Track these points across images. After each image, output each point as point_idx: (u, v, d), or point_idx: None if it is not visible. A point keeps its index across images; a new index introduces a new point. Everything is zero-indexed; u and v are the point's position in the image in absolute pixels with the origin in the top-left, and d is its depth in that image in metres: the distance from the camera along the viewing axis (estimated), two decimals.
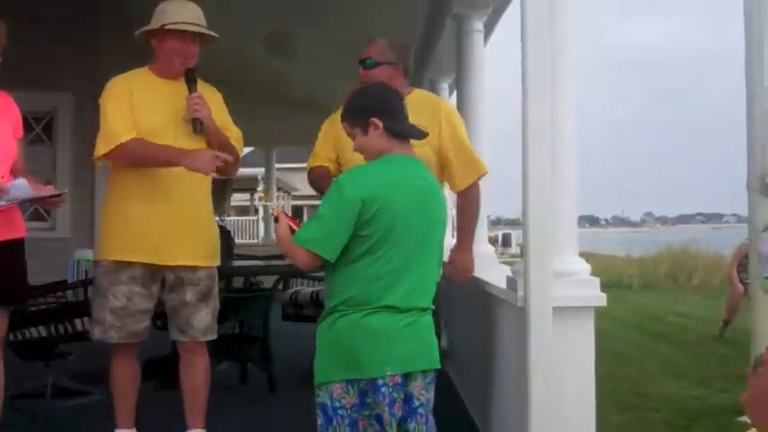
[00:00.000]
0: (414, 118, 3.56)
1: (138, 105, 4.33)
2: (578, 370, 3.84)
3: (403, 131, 3.43)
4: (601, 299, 3.90)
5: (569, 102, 4.00)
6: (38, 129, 9.92)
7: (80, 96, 9.77)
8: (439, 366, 3.37)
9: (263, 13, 8.80)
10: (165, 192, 4.33)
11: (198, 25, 4.37)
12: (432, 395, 3.35)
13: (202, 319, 4.47)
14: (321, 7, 9.10)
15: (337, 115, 4.43)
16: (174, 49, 4.36)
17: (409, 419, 3.27)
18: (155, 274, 4.38)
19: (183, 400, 4.55)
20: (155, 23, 4.38)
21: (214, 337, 4.59)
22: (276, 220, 3.42)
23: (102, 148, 4.29)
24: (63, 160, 9.67)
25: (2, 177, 4.12)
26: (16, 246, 4.31)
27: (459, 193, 4.56)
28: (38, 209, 9.65)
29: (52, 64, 9.41)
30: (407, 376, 3.24)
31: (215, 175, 4.51)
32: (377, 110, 3.40)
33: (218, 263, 4.59)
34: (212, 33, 4.41)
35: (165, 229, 4.32)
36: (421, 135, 3.50)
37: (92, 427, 4.85)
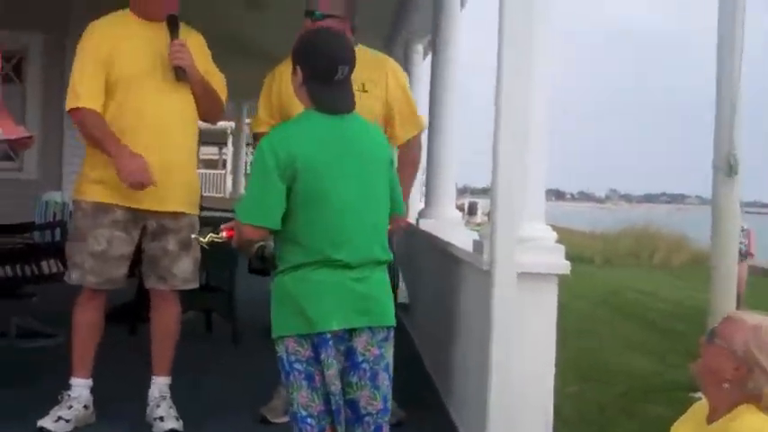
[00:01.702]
0: (360, 71, 3.44)
1: (119, 52, 4.25)
2: (539, 335, 3.91)
3: (320, 99, 3.25)
4: (565, 267, 3.95)
5: (544, 73, 4.03)
6: (7, 68, 9.80)
7: (52, 37, 9.67)
8: (392, 323, 3.32)
9: None
10: (152, 138, 4.25)
11: None
12: (385, 352, 3.29)
13: (184, 268, 4.44)
14: None
15: (278, 69, 4.43)
16: None
17: (351, 372, 3.22)
18: (137, 220, 4.33)
19: (151, 347, 4.50)
20: None
21: (196, 286, 4.57)
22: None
23: (67, 102, 4.27)
24: (33, 101, 9.59)
25: None
26: None
27: (401, 147, 4.57)
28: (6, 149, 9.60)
29: (23, 3, 9.27)
30: (352, 332, 3.20)
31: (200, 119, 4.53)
32: (304, 60, 3.27)
33: (198, 211, 4.56)
34: None
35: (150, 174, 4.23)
36: (341, 110, 3.29)
37: (55, 368, 4.85)
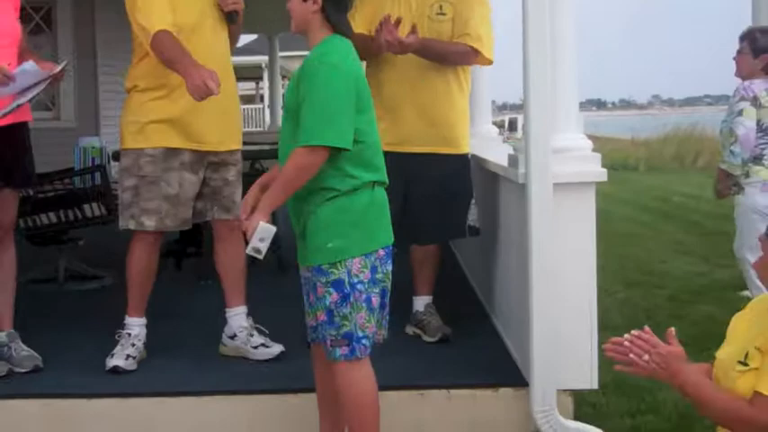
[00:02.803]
0: None
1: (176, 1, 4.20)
2: (580, 243, 3.90)
3: (341, 24, 3.38)
4: (601, 174, 3.93)
5: None
6: (37, 18, 9.83)
7: None
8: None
9: None
10: None
11: None
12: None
13: (240, 198, 4.48)
14: None
15: None
16: None
17: None
18: (201, 159, 4.36)
19: (223, 280, 4.56)
20: None
21: None
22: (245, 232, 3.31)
23: (144, 38, 4.12)
24: (65, 50, 9.62)
25: (9, 64, 4.06)
26: (22, 130, 4.30)
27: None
28: (42, 98, 9.67)
29: None
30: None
31: None
32: None
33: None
34: None
35: (211, 116, 4.25)
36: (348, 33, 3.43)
37: (104, 309, 4.95)
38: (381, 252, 3.34)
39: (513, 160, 4.18)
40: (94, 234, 6.39)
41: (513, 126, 36.55)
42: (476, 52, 4.61)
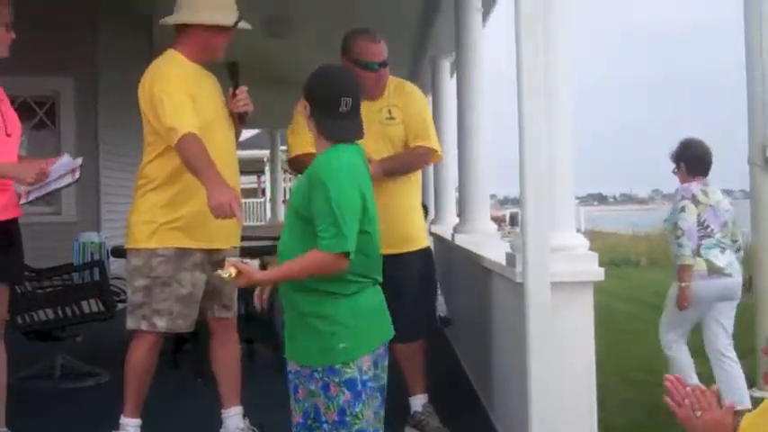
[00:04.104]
0: (386, 99, 4.15)
1: (197, 94, 4.24)
2: (578, 344, 3.88)
3: (328, 129, 3.37)
4: (599, 273, 3.92)
5: (565, 74, 4.02)
6: (41, 113, 9.95)
7: (81, 80, 9.82)
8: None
9: None
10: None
11: (236, 20, 4.34)
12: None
13: (236, 295, 4.57)
14: None
15: None
16: (209, 41, 4.31)
17: None
18: (209, 257, 4.36)
19: (219, 380, 4.53)
20: (189, 13, 4.29)
21: None
22: (238, 274, 3.33)
23: (170, 139, 4.09)
24: (67, 144, 9.68)
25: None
26: (15, 224, 4.31)
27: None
28: None
29: (52, 48, 9.42)
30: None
31: None
32: (311, 94, 3.39)
33: None
34: (247, 26, 4.38)
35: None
36: (352, 139, 3.43)
37: (99, 408, 4.90)
38: (381, 348, 3.35)
39: (510, 258, 4.17)
40: (92, 330, 6.35)
41: (514, 221, 36.63)
42: (433, 151, 4.76)
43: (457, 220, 7.87)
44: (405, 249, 4.65)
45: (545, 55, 3.82)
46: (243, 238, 4.71)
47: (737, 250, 5.97)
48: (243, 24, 4.35)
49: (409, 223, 4.75)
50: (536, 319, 3.73)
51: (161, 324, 4.27)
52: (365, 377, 3.27)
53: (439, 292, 4.81)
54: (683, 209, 5.88)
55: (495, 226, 7.26)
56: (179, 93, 4.14)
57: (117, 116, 9.79)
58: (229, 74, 4.41)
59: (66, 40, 9.58)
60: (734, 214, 6.04)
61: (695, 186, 5.92)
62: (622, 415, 6.02)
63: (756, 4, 6.23)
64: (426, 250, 4.86)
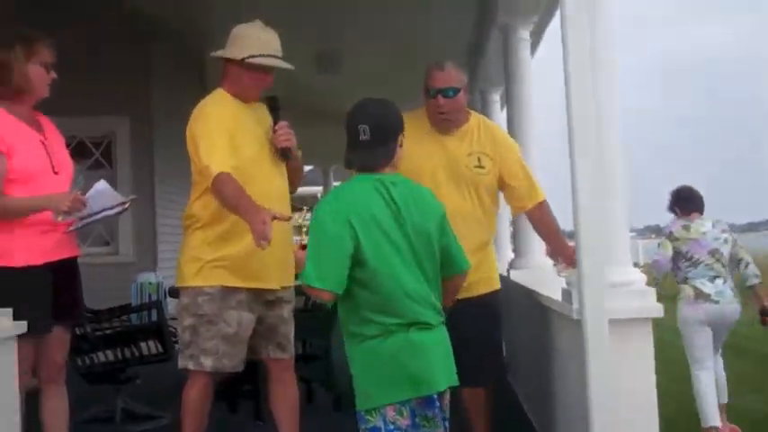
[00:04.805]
0: (476, 144, 4.31)
1: (238, 131, 4.27)
2: (639, 381, 3.81)
3: (350, 160, 3.42)
4: (658, 310, 3.86)
5: (614, 106, 3.99)
6: (97, 153, 10.09)
7: (136, 120, 9.95)
8: (458, 383, 3.39)
9: (311, 32, 8.89)
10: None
11: (279, 58, 4.36)
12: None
13: (293, 336, 4.54)
14: (367, 21, 9.16)
15: None
16: (251, 80, 4.35)
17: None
18: (258, 297, 4.35)
19: (279, 422, 4.51)
20: (235, 51, 4.34)
21: None
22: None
23: (206, 179, 4.12)
24: (123, 184, 9.80)
25: None
26: (75, 264, 4.38)
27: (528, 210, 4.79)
28: (101, 233, 9.84)
29: (108, 89, 9.57)
30: (442, 390, 3.29)
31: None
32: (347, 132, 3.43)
33: None
34: (290, 67, 4.38)
35: (269, 256, 4.18)
36: (371, 168, 3.41)
37: None
38: (420, 400, 3.22)
39: (566, 295, 4.12)
40: (151, 372, 6.38)
41: None
42: (544, 203, 4.75)
43: (512, 255, 7.82)
44: (477, 293, 4.54)
45: (593, 83, 3.78)
46: (298, 276, 4.70)
47: (726, 280, 6.50)
48: (283, 64, 4.37)
49: (484, 265, 4.65)
50: (595, 356, 3.66)
51: (207, 363, 4.26)
52: (391, 426, 3.19)
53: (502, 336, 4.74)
54: (658, 245, 6.81)
55: (551, 261, 7.20)
56: (216, 132, 4.18)
57: (172, 155, 9.88)
58: (269, 109, 4.45)
59: (121, 80, 9.70)
60: (731, 241, 6.64)
61: (676, 224, 6.67)
62: None
63: None
64: (495, 292, 4.75)
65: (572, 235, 3.93)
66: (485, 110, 9.93)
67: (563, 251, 4.62)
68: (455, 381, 3.34)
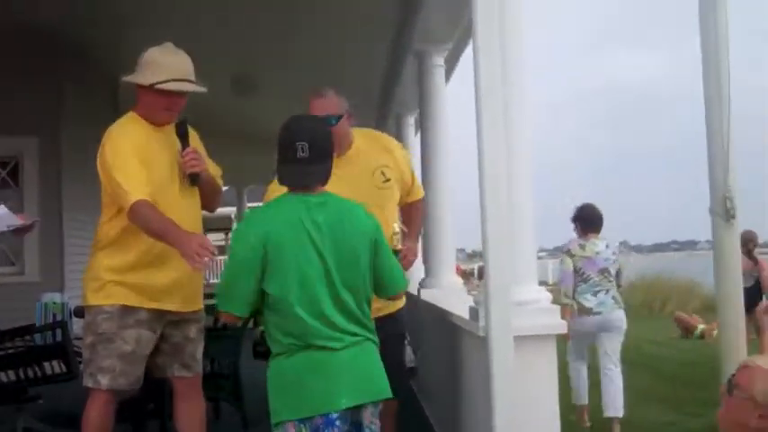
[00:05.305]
0: (376, 156, 4.19)
1: (146, 157, 4.23)
2: (542, 397, 3.90)
3: (282, 176, 3.44)
4: (561, 326, 3.95)
5: (524, 132, 4.08)
6: (3, 173, 9.89)
7: (45, 141, 9.76)
8: (389, 396, 3.42)
9: (226, 55, 8.89)
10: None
11: (189, 82, 4.31)
12: (379, 424, 3.41)
13: (201, 355, 4.50)
14: (282, 46, 9.18)
15: None
16: (161, 105, 4.30)
17: None
18: (160, 317, 4.32)
19: None
20: (144, 77, 4.29)
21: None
22: None
23: (124, 206, 4.11)
24: (30, 204, 9.61)
25: None
26: None
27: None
28: (6, 253, 9.63)
29: (16, 108, 9.38)
30: (358, 407, 3.30)
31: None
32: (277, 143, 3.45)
33: None
34: (203, 90, 4.34)
35: (173, 282, 4.25)
36: (303, 186, 3.42)
37: None
38: (319, 420, 3.23)
39: (473, 313, 4.18)
40: (56, 391, 6.25)
41: (482, 274, 36.74)
42: (422, 200, 4.86)
43: (422, 274, 7.88)
44: (383, 313, 4.39)
45: (504, 110, 3.85)
46: (208, 296, 4.68)
47: (608, 291, 7.21)
48: (193, 87, 4.34)
49: None
50: (499, 372, 3.72)
51: (104, 381, 4.22)
52: None
53: (407, 342, 4.76)
54: (560, 261, 7.50)
55: (460, 280, 7.33)
56: (129, 159, 4.16)
57: (81, 175, 9.73)
58: (177, 134, 4.38)
59: (30, 99, 9.53)
60: (619, 261, 7.47)
61: (573, 243, 7.30)
62: None
63: (714, 53, 6.33)
64: (399, 311, 4.69)
65: (481, 254, 3.98)
66: (399, 133, 10.03)
67: (409, 247, 4.52)
68: (371, 396, 3.36)
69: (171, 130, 4.39)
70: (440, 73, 7.18)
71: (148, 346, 4.30)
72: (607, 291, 7.20)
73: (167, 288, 4.27)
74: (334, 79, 5.02)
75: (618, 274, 7.41)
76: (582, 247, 7.25)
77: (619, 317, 7.30)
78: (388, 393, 3.42)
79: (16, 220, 4.22)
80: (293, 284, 3.25)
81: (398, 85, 9.21)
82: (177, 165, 4.34)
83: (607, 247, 7.34)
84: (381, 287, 3.54)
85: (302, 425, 3.22)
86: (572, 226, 7.43)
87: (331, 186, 3.68)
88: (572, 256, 7.21)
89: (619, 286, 7.40)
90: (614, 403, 7.12)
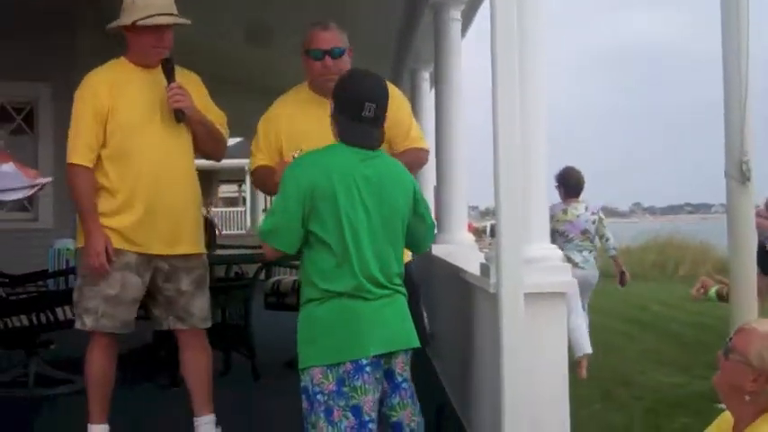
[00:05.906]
0: None
1: (118, 99, 4.28)
2: (551, 354, 3.89)
3: (344, 133, 3.43)
4: (572, 284, 3.94)
5: (540, 89, 4.03)
6: (19, 119, 9.89)
7: (59, 87, 9.71)
8: (418, 345, 3.49)
9: (240, 5, 8.82)
10: (155, 184, 4.28)
11: (169, 15, 4.33)
12: (409, 373, 3.48)
13: (201, 307, 4.48)
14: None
15: (270, 113, 4.38)
16: (148, 43, 4.33)
17: (393, 395, 3.41)
18: (148, 262, 4.34)
19: (189, 387, 4.51)
20: (125, 18, 4.32)
21: (209, 325, 4.57)
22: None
23: (67, 155, 4.30)
24: (45, 151, 9.65)
25: None
26: None
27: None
28: (20, 199, 9.65)
29: (30, 55, 9.37)
30: (390, 355, 3.37)
31: (203, 158, 4.62)
32: (336, 95, 3.46)
33: (204, 249, 4.61)
34: (185, 21, 4.36)
35: (158, 228, 4.29)
36: (365, 146, 3.43)
37: (73, 415, 4.87)
38: (349, 366, 3.26)
39: (484, 270, 4.18)
40: (65, 336, 6.31)
41: (494, 232, 36.82)
42: (425, 151, 4.47)
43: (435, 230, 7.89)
44: None
45: (520, 65, 3.82)
46: (222, 246, 4.70)
47: (591, 251, 8.03)
48: (172, 19, 4.35)
49: None
50: (509, 329, 3.71)
51: (88, 322, 4.29)
52: (316, 389, 3.27)
53: (423, 307, 4.74)
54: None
55: (472, 237, 7.34)
56: (84, 118, 4.30)
57: None
58: (163, 70, 4.37)
59: (44, 46, 9.52)
60: (597, 221, 8.06)
61: (557, 207, 7.86)
62: (597, 428, 6.03)
63: (734, 16, 6.27)
64: (408, 264, 4.71)
65: (494, 212, 3.97)
66: (413, 89, 9.96)
67: None
68: (401, 344, 3.42)
69: (160, 70, 4.39)
70: (456, 27, 7.11)
71: (135, 291, 4.33)
72: (590, 251, 8.06)
73: (158, 231, 4.30)
74: (351, 33, 4.98)
75: (602, 237, 8.26)
76: (564, 212, 7.97)
77: (595, 275, 8.21)
78: (417, 343, 3.49)
79: (24, 180, 4.24)
80: (339, 232, 3.30)
81: (414, 40, 9.13)
82: (163, 105, 4.35)
83: (586, 209, 8.09)
84: (413, 243, 3.66)
85: (329, 371, 3.25)
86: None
87: (320, 125, 3.71)
88: (556, 221, 7.71)
89: (610, 249, 8.42)
90: (579, 344, 7.66)
